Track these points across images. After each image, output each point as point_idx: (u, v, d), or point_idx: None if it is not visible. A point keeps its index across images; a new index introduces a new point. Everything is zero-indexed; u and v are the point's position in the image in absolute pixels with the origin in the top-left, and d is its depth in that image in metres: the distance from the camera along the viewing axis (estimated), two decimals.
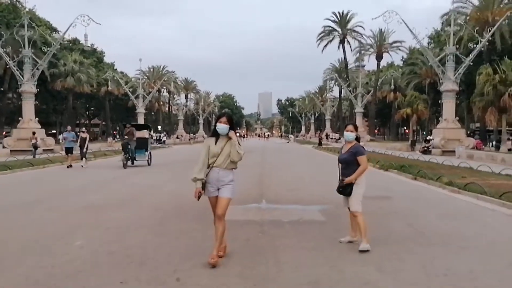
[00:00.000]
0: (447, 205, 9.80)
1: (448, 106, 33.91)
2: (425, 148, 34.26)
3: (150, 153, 20.95)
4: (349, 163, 5.97)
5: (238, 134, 5.69)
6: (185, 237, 6.55)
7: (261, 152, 33.53)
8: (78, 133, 22.49)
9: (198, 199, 5.20)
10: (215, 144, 5.19)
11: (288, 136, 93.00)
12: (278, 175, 15.68)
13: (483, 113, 31.70)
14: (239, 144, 5.20)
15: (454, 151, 30.37)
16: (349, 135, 6.05)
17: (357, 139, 6.07)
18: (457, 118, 35.37)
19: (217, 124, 5.20)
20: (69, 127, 19.28)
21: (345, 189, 5.98)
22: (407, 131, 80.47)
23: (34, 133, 28.42)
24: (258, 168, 17.82)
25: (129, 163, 19.50)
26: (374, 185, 13.10)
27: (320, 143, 47.50)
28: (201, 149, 5.34)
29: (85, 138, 19.94)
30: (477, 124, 50.35)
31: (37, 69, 30.78)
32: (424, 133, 60.98)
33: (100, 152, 29.88)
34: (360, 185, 6.02)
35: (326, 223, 7.71)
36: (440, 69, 33.93)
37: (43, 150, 29.38)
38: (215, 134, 5.26)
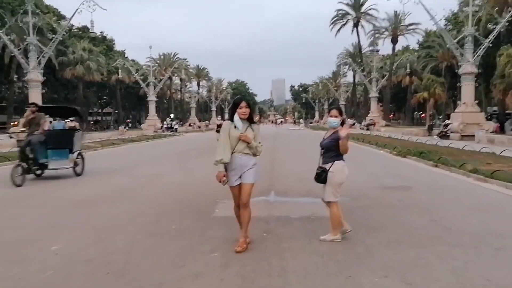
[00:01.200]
0: (473, 196, 8.90)
1: (467, 89, 32.57)
2: (443, 133, 33.03)
3: (80, 155, 12.82)
4: (330, 149, 5.51)
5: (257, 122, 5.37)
6: (180, 238, 5.77)
7: (273, 139, 32.69)
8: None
9: (224, 184, 5.07)
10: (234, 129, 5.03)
11: (299, 122, 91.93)
12: (289, 164, 14.88)
13: (504, 96, 30.22)
14: (258, 141, 5.12)
15: (473, 136, 29.18)
16: (333, 121, 5.57)
17: (342, 124, 5.55)
18: (477, 101, 33.98)
19: (238, 110, 5.04)
20: (57, 118, 15.74)
21: (320, 176, 5.51)
22: (422, 115, 78.86)
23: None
24: (268, 156, 17.00)
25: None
26: (392, 173, 12.33)
27: None
28: (221, 134, 5.15)
29: (74, 127, 15.09)
30: (494, 108, 48.66)
31: (43, 56, 30.19)
32: (441, 117, 59.44)
33: (108, 141, 29.31)
34: (336, 173, 5.46)
35: None
36: (459, 51, 32.56)
37: None
38: (232, 121, 5.10)
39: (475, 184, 10.26)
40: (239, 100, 5.10)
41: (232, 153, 4.98)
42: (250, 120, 5.12)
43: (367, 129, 51.94)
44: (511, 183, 9.43)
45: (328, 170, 5.42)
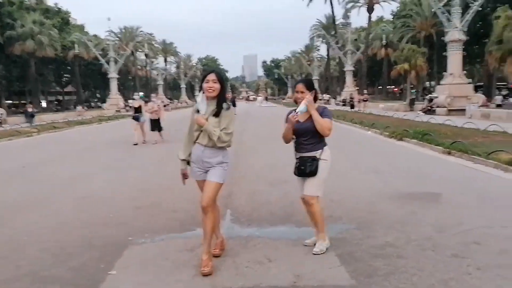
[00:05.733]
0: None
1: (455, 58, 29.84)
2: (429, 108, 30.38)
3: None
4: (315, 133, 4.21)
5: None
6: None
7: (244, 118, 29.26)
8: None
9: (184, 183, 4.15)
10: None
11: (255, 98, 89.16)
12: (259, 155, 11.45)
13: (502, 64, 27.55)
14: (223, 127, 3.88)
15: (461, 110, 26.62)
16: (301, 107, 4.17)
17: (315, 98, 4.28)
18: (465, 72, 31.36)
19: (204, 84, 3.86)
20: None
21: (306, 167, 4.21)
22: (395, 89, 76.64)
23: None
24: (233, 144, 13.54)
25: None
26: (397, 168, 8.86)
27: None
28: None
29: None
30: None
31: None
32: (418, 90, 57.11)
33: (50, 124, 25.29)
34: (327, 162, 4.27)
35: None
36: (445, 16, 29.70)
37: None
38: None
39: None
40: (207, 73, 3.94)
41: (196, 141, 3.95)
42: (220, 102, 3.89)
43: (343, 105, 48.95)
44: None
45: (320, 158, 4.20)
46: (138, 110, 14.88)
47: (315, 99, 4.29)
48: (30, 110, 32.52)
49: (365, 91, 45.31)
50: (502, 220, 5.17)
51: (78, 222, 5.46)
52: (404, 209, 5.71)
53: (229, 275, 3.79)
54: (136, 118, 14.77)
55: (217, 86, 3.82)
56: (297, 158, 4.31)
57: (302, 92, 4.24)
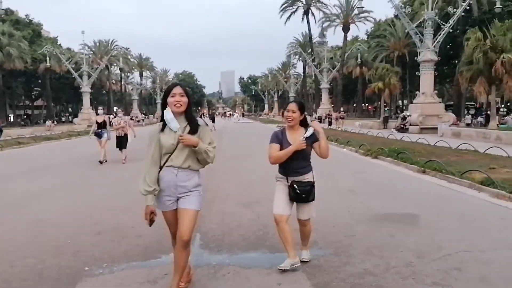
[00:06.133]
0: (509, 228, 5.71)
1: (427, 78, 30.42)
2: (402, 126, 30.75)
3: None
4: (305, 155, 4.18)
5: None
6: None
7: (219, 134, 28.93)
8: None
9: (150, 224, 3.51)
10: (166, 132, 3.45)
11: (232, 115, 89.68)
12: (232, 174, 11.14)
13: (471, 84, 28.17)
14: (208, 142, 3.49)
15: (433, 128, 27.08)
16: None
17: (304, 122, 4.29)
18: (436, 91, 31.95)
19: (169, 99, 3.41)
20: None
21: (309, 195, 4.19)
22: (369, 107, 77.87)
23: None
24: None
25: None
26: (375, 187, 8.70)
27: None
28: (146, 144, 3.49)
29: None
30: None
31: None
32: (389, 109, 58.05)
33: (14, 140, 24.28)
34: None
35: None
36: (418, 36, 30.32)
37: None
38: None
39: (500, 204, 7.09)
40: (172, 87, 3.47)
41: (162, 166, 3.40)
42: (190, 119, 3.48)
43: (319, 122, 49.43)
44: None
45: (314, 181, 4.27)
46: (101, 125, 13.66)
47: (305, 120, 4.32)
48: None
49: (342, 109, 45.71)
50: (480, 244, 4.99)
51: (28, 249, 4.93)
52: (382, 232, 5.47)
53: None
54: (98, 135, 13.59)
55: (184, 99, 3.42)
56: (290, 184, 4.18)
57: (293, 112, 4.20)
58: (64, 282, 3.98)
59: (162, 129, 3.45)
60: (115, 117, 15.31)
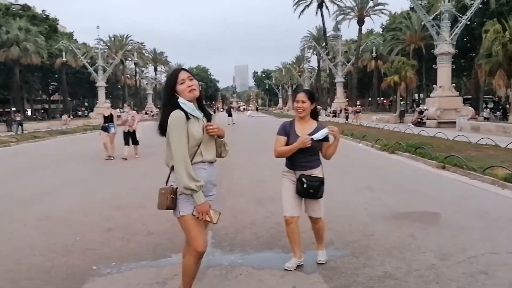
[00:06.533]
0: None
1: (444, 71, 29.80)
2: (419, 120, 30.17)
3: None
4: (314, 150, 3.91)
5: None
6: None
7: (232, 128, 28.76)
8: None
9: (215, 222, 2.98)
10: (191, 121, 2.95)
11: (246, 109, 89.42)
12: (245, 169, 10.84)
13: (490, 77, 27.51)
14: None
15: (451, 122, 26.53)
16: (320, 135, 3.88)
17: (315, 113, 4.08)
18: (453, 84, 31.25)
19: (181, 86, 2.97)
20: None
21: (318, 192, 3.94)
22: (385, 101, 76.86)
23: None
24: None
25: None
26: (393, 184, 8.36)
27: None
28: (172, 135, 2.87)
29: None
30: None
31: None
32: (405, 103, 57.19)
33: (29, 134, 24.51)
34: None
35: None
36: (435, 29, 29.64)
37: None
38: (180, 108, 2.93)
39: None
40: (176, 72, 3.02)
41: (202, 161, 2.97)
42: (202, 106, 3.11)
43: (334, 116, 48.92)
44: None
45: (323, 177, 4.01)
46: (108, 119, 13.18)
47: (315, 111, 4.10)
48: (18, 118, 31.84)
49: (358, 103, 45.24)
50: (508, 245, 4.72)
51: (37, 247, 4.82)
52: (402, 231, 5.22)
53: None
54: (105, 129, 13.12)
55: (195, 82, 3.03)
56: (299, 177, 3.94)
57: (303, 102, 3.94)
58: (72, 282, 3.85)
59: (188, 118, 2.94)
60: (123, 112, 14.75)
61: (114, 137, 13.29)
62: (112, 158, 13.04)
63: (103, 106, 51.02)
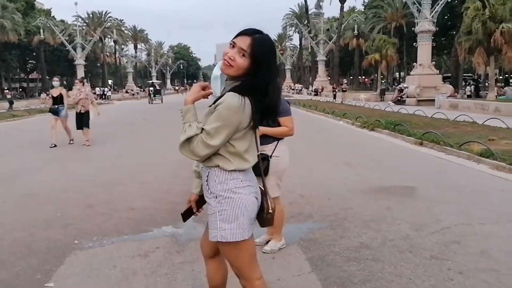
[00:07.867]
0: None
1: (424, 49, 30.10)
2: (399, 98, 30.51)
3: None
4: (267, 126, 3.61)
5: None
6: None
7: None
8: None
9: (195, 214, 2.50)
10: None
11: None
12: None
13: (470, 55, 27.86)
14: None
15: (430, 100, 26.93)
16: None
17: None
18: (433, 63, 31.58)
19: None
20: None
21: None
22: (366, 80, 77.23)
23: None
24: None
25: None
26: (370, 159, 8.60)
27: None
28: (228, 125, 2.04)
29: None
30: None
31: None
32: (386, 81, 57.59)
33: (7, 113, 24.04)
34: (282, 158, 3.77)
35: None
36: (416, 7, 29.73)
37: None
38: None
39: (500, 176, 6.98)
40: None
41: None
42: None
43: (315, 94, 49.26)
44: None
45: (272, 155, 3.69)
46: (57, 100, 11.03)
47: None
48: (9, 96, 31.33)
49: (344, 81, 45.34)
50: (480, 217, 4.90)
51: (18, 223, 4.82)
52: (379, 205, 5.37)
53: (186, 285, 3.34)
54: (55, 112, 11.03)
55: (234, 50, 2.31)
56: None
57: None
58: (53, 255, 3.87)
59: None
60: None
61: (67, 121, 11.32)
62: (72, 142, 11.51)
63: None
